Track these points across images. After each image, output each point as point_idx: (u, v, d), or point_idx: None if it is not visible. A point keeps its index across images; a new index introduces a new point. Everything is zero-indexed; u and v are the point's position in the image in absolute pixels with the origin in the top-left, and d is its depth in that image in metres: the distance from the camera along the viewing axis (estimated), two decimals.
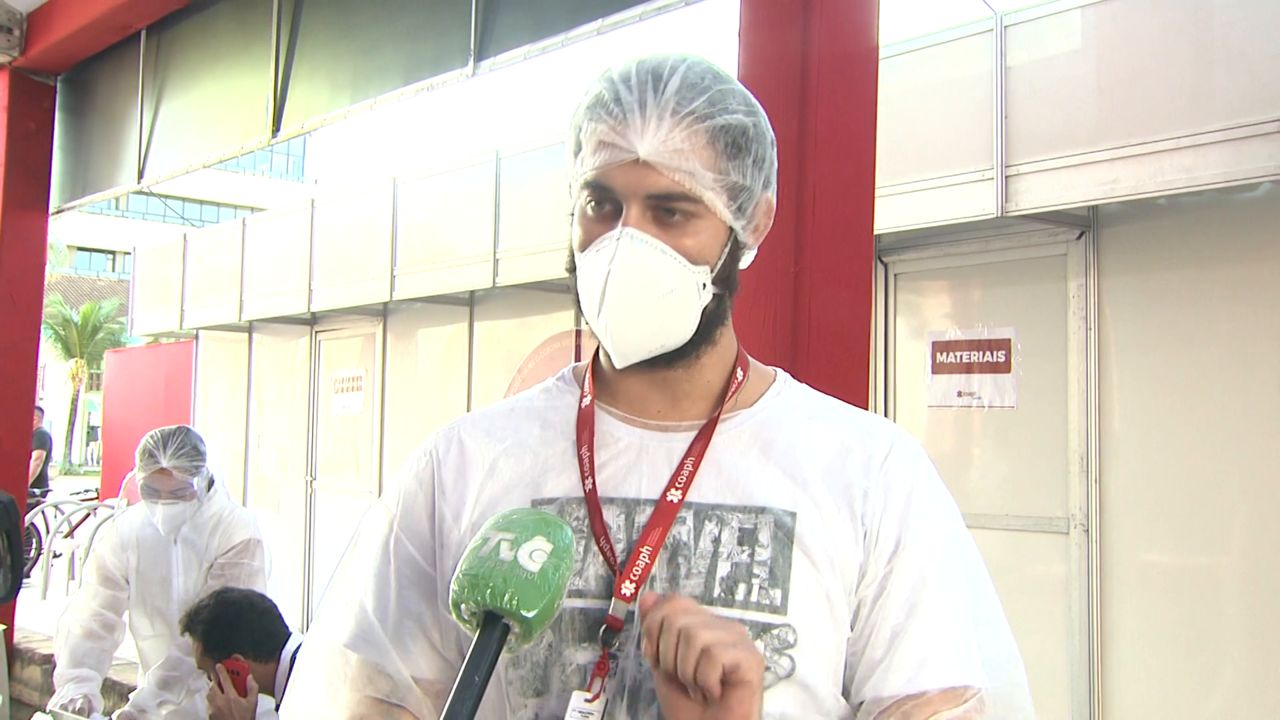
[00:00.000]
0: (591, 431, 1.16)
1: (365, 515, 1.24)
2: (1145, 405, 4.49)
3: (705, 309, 1.12)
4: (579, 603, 1.09)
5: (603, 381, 1.20)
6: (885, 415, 5.19)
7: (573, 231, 1.14)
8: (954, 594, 1.13)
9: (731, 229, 1.12)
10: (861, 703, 1.11)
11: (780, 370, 1.25)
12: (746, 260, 1.18)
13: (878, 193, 2.97)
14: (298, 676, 1.21)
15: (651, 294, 1.08)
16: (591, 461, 1.14)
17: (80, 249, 41.73)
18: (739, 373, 1.19)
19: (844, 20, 2.87)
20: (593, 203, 1.10)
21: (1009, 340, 4.86)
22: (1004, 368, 4.86)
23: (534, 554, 0.97)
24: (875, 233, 3.12)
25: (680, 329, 1.11)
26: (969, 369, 4.98)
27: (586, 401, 1.19)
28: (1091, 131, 4.36)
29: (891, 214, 4.70)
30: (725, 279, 1.13)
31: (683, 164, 1.06)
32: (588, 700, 1.06)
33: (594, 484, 1.13)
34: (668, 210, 1.08)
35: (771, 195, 1.17)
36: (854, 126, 2.86)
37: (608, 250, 1.08)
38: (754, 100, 1.14)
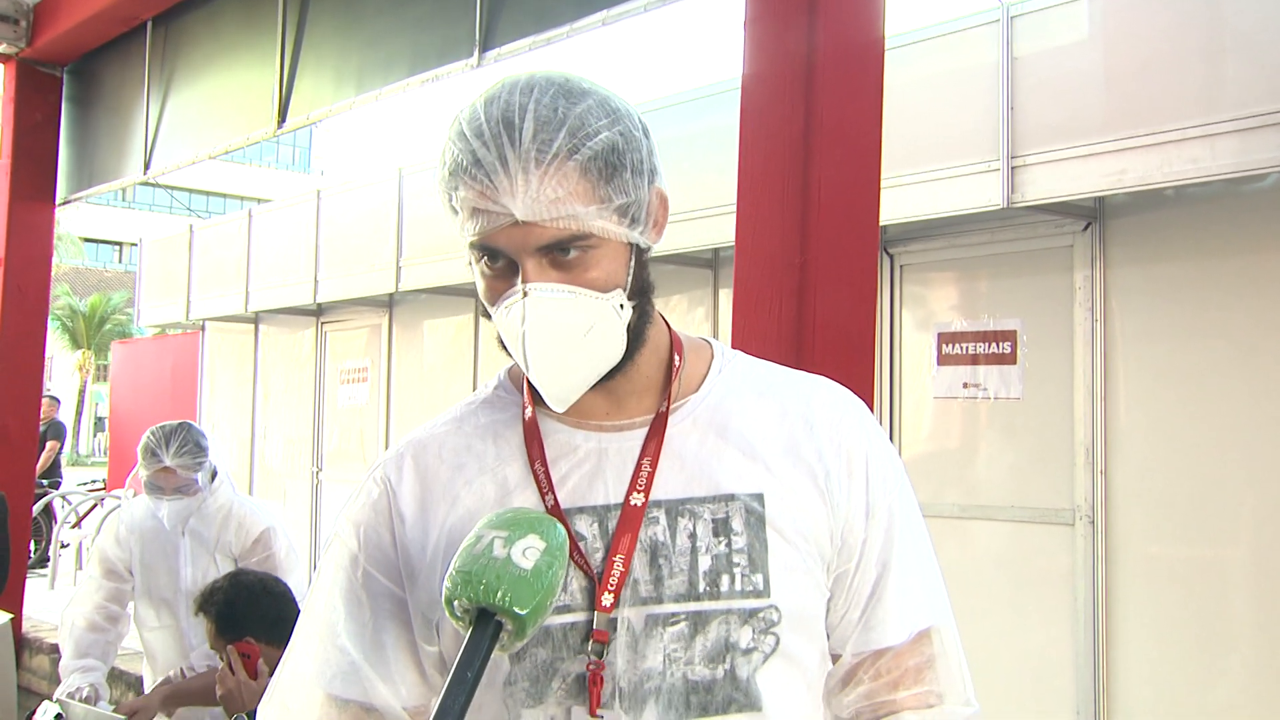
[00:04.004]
0: (541, 445, 1.14)
1: (324, 554, 1.22)
2: (1151, 396, 4.48)
3: (630, 325, 1.09)
4: (568, 617, 1.09)
5: None
6: (891, 407, 5.19)
7: (476, 281, 1.11)
8: (917, 542, 1.19)
9: (633, 244, 1.09)
10: (838, 657, 1.17)
11: (714, 341, 1.24)
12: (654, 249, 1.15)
13: (883, 184, 2.96)
14: None
15: (573, 339, 1.05)
16: (548, 476, 1.12)
17: (87, 240, 41.80)
18: (676, 359, 1.17)
19: (849, 12, 2.86)
20: (485, 259, 1.07)
21: (1015, 332, 4.84)
22: (1010, 359, 4.85)
23: (527, 551, 0.97)
24: (881, 224, 3.12)
25: (611, 355, 1.09)
26: (975, 360, 4.97)
27: (529, 413, 1.17)
28: (1098, 122, 4.34)
29: (897, 205, 4.69)
30: (640, 289, 1.11)
31: (562, 211, 1.01)
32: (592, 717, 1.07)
33: (555, 500, 1.11)
34: (563, 250, 1.04)
35: (660, 184, 1.11)
36: (859, 118, 2.85)
37: (517, 311, 1.04)
38: (614, 102, 1.07)
